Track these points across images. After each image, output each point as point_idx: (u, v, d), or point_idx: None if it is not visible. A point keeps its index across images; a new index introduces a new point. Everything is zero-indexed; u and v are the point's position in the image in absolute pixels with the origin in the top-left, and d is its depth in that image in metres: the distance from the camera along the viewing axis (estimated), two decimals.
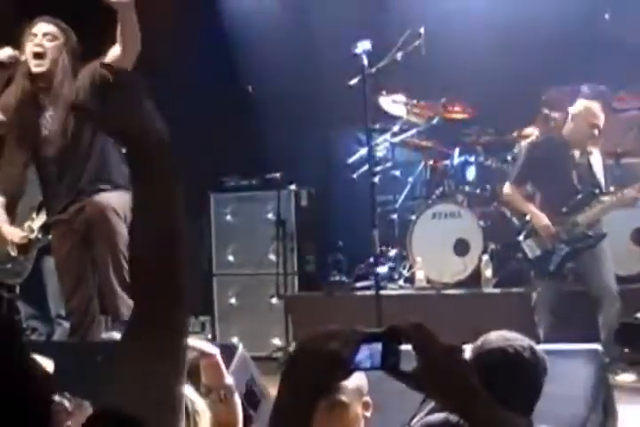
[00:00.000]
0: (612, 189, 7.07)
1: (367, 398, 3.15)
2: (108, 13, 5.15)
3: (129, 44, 5.14)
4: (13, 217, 6.42)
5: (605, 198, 7.00)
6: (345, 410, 3.05)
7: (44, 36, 5.44)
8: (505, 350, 2.97)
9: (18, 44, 5.47)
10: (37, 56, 5.41)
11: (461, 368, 1.75)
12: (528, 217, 7.18)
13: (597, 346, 4.54)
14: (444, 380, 1.72)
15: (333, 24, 8.79)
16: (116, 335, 5.48)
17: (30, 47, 5.42)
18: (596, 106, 7.07)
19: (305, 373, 1.73)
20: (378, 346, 1.74)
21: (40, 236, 6.00)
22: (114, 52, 5.25)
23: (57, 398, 3.67)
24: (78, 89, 5.41)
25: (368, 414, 3.15)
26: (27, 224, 6.12)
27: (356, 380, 3.13)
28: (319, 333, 1.76)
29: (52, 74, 5.46)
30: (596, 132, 6.98)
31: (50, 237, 6.01)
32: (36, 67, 5.42)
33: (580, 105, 7.09)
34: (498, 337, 3.04)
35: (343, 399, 3.04)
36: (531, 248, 7.13)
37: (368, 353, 1.74)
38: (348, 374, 1.80)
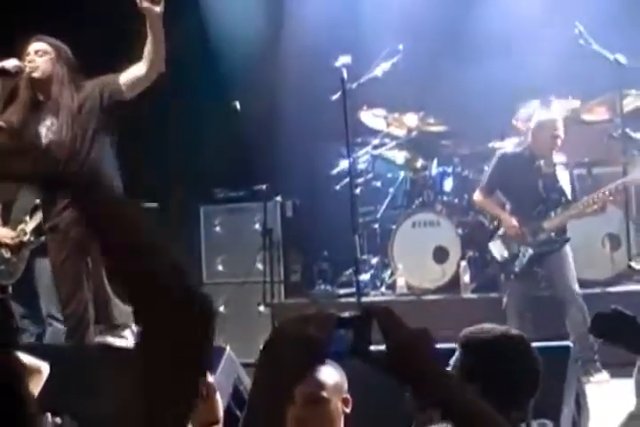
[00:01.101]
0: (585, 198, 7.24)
1: (347, 395, 3.17)
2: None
3: (155, 61, 5.47)
4: (7, 220, 6.62)
5: (571, 206, 7.20)
6: (326, 405, 3.08)
7: (35, 53, 5.76)
8: (498, 339, 2.93)
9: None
10: (31, 69, 5.72)
11: (428, 351, 1.79)
12: (495, 222, 7.41)
13: (569, 343, 4.72)
14: (412, 362, 1.77)
15: (316, 41, 8.91)
16: (110, 339, 5.67)
17: (26, 64, 5.73)
18: (554, 117, 7.34)
19: (282, 357, 1.75)
20: (350, 331, 1.79)
21: (33, 238, 6.17)
22: (136, 71, 5.56)
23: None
24: (84, 99, 5.71)
25: (348, 410, 3.17)
26: (20, 227, 6.31)
27: (336, 376, 3.17)
28: (295, 317, 1.80)
29: (49, 84, 5.75)
30: (558, 141, 7.21)
31: (42, 238, 6.16)
32: (32, 74, 5.70)
33: (538, 117, 7.35)
34: (489, 328, 3.02)
35: (324, 395, 3.06)
36: (498, 250, 7.34)
37: (341, 337, 1.79)
38: (323, 357, 1.87)
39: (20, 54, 5.77)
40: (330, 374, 3.17)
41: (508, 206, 7.45)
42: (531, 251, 7.21)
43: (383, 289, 8.47)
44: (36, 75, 5.73)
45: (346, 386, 3.20)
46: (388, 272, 8.55)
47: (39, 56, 5.75)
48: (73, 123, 5.67)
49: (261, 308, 8.60)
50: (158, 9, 5.31)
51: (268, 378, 1.76)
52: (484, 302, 7.89)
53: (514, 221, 7.25)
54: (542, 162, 7.31)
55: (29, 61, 5.73)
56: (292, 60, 9.39)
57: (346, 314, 1.81)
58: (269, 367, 1.77)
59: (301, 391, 2.98)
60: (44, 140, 5.74)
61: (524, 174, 7.28)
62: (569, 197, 7.28)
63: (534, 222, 7.23)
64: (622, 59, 7.46)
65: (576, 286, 7.08)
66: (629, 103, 7.97)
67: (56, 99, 5.73)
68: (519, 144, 7.79)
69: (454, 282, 8.12)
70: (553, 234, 7.22)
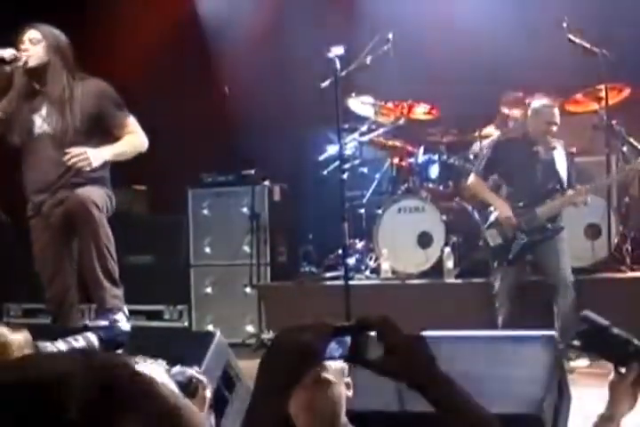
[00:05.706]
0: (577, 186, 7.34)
1: (348, 379, 3.23)
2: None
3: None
4: None
5: (566, 193, 7.29)
6: (331, 388, 3.12)
7: (29, 41, 5.72)
8: None
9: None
10: (25, 58, 5.69)
11: (422, 356, 1.88)
12: (492, 208, 7.42)
13: (553, 332, 4.86)
14: (407, 367, 1.86)
15: (308, 27, 8.98)
16: (101, 323, 5.71)
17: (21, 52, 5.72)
18: (550, 103, 7.44)
19: (280, 363, 1.85)
20: (347, 338, 1.88)
21: None
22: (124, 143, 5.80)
23: None
24: (81, 94, 5.72)
25: (350, 393, 3.22)
26: None
27: (339, 361, 3.08)
28: (294, 326, 1.89)
29: (44, 73, 5.72)
30: (554, 127, 7.29)
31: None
32: (26, 62, 5.67)
33: (534, 104, 7.46)
34: None
35: (329, 377, 3.11)
36: (492, 237, 7.36)
37: (338, 345, 1.88)
38: (319, 363, 2.01)
39: (16, 43, 5.76)
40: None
41: (504, 190, 7.51)
42: (525, 239, 7.28)
43: (368, 273, 8.56)
44: (30, 63, 5.71)
45: (347, 371, 3.26)
46: (373, 256, 8.64)
47: (33, 44, 5.73)
48: (65, 114, 5.68)
49: (248, 289, 8.73)
50: (95, 164, 5.55)
51: (268, 383, 1.87)
52: (467, 287, 8.00)
53: (509, 211, 7.29)
54: (540, 148, 7.38)
55: (23, 50, 5.71)
56: (283, 46, 9.44)
57: (342, 323, 1.91)
58: (269, 373, 1.87)
59: (309, 374, 3.10)
60: (38, 131, 5.76)
61: (522, 159, 7.33)
62: (564, 184, 7.36)
63: (528, 208, 7.29)
64: (607, 52, 7.63)
65: (569, 273, 7.17)
66: (613, 96, 8.14)
67: (51, 88, 5.73)
68: (513, 130, 7.87)
69: (438, 267, 8.21)
70: (547, 222, 7.29)
